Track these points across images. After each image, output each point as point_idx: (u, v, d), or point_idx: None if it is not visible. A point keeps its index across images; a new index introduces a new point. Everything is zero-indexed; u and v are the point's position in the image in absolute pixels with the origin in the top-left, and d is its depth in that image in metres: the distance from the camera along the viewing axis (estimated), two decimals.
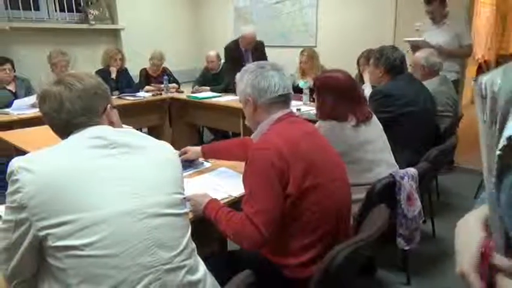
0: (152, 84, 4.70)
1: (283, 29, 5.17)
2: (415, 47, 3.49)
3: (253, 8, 5.41)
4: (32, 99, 3.62)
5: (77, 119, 1.04)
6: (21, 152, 2.58)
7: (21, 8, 4.44)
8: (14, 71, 3.81)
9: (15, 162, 0.93)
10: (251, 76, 1.42)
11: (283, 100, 1.43)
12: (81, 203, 0.91)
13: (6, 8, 4.29)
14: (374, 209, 1.41)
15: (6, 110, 3.49)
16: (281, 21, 5.17)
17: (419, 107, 2.38)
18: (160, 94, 4.51)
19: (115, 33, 5.18)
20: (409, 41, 3.66)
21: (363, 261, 1.75)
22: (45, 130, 2.96)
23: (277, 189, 1.26)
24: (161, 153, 1.11)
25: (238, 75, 1.48)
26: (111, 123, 1.12)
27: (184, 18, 5.95)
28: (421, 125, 2.37)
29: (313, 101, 2.33)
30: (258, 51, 4.41)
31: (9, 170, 0.93)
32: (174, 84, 4.76)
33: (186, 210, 1.10)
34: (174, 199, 1.05)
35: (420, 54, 3.04)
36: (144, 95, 4.44)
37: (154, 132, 4.56)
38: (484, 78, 0.53)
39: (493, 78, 0.52)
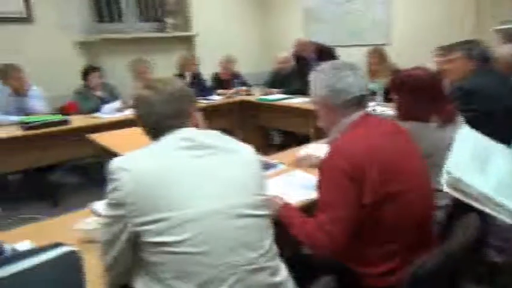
0: (223, 89, 4.85)
1: (353, 28, 5.03)
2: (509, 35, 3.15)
3: (323, 7, 5.33)
4: (118, 104, 3.93)
5: (167, 122, 1.10)
6: (110, 152, 2.82)
7: (108, 21, 4.86)
8: (102, 78, 4.17)
9: (115, 162, 1.02)
10: (326, 76, 1.37)
11: (359, 101, 1.37)
12: (173, 202, 0.97)
13: (96, 21, 4.69)
14: (462, 216, 1.31)
15: (96, 114, 3.82)
16: (351, 19, 5.03)
17: (505, 106, 2.17)
18: (232, 97, 4.64)
19: (189, 40, 5.43)
20: (501, 30, 3.32)
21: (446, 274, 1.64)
22: (130, 132, 3.20)
23: (351, 197, 1.22)
24: (245, 155, 1.14)
25: (311, 76, 1.44)
26: (196, 126, 1.17)
27: (253, 21, 6.06)
28: (508, 125, 2.16)
29: (389, 101, 2.23)
30: (325, 53, 4.32)
31: (109, 169, 1.02)
32: (245, 87, 4.87)
33: (268, 212, 1.12)
34: (257, 200, 1.08)
35: (509, 50, 2.77)
36: (216, 98, 4.59)
37: (225, 134, 4.69)
38: None
39: None
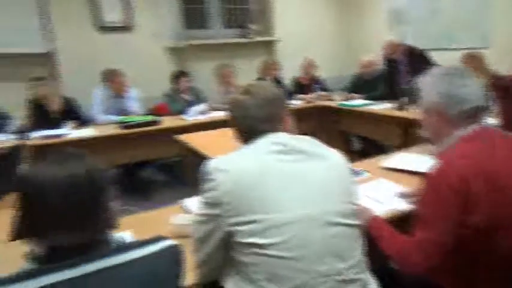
0: (303, 94, 4.85)
1: (443, 29, 4.70)
2: None
3: (409, 7, 5.06)
4: (202, 107, 4.14)
5: (260, 126, 1.13)
6: (194, 152, 2.98)
7: (196, 27, 5.14)
8: (190, 82, 4.42)
9: (212, 163, 1.07)
10: (440, 82, 1.23)
11: (476, 113, 1.22)
12: (267, 204, 0.99)
13: (185, 28, 4.99)
14: None
15: (182, 115, 4.06)
16: (442, 19, 4.71)
17: None
18: (312, 102, 4.61)
19: (271, 45, 5.52)
20: None
21: None
22: (213, 133, 3.33)
23: (455, 218, 1.12)
24: (336, 162, 1.13)
25: (421, 80, 1.31)
26: (288, 130, 1.19)
27: (335, 25, 5.97)
28: None
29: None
30: (415, 56, 4.09)
31: (206, 169, 1.07)
32: (325, 92, 4.82)
33: (359, 221, 1.10)
34: (348, 209, 1.06)
35: None
36: (296, 103, 4.60)
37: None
38: None
39: None
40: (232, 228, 1.00)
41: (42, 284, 0.72)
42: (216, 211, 1.02)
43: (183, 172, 3.98)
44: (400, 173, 1.96)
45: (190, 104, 4.26)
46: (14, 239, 1.55)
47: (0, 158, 1.91)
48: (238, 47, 5.29)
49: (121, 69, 4.01)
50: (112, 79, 3.91)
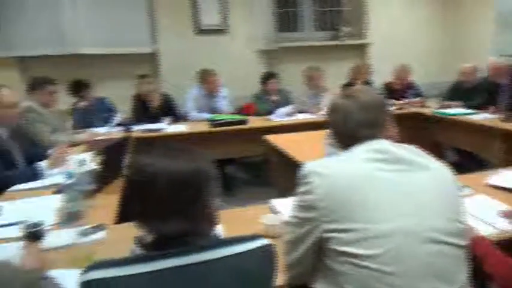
0: (395, 99, 4.63)
1: None
2: None
3: None
4: (290, 108, 4.17)
5: (361, 132, 1.10)
6: (280, 153, 3.02)
7: (288, 30, 5.21)
8: (279, 84, 4.49)
9: (309, 166, 1.06)
10: None
11: None
12: (366, 214, 0.96)
13: (277, 31, 5.07)
14: None
15: (269, 116, 4.14)
16: None
17: None
18: (404, 108, 4.39)
19: (362, 48, 5.37)
20: None
21: None
22: (301, 136, 3.34)
23: None
24: (443, 175, 1.07)
25: None
26: (390, 137, 1.15)
27: (434, 29, 5.59)
28: None
29: None
30: None
31: (302, 172, 1.07)
32: (419, 98, 4.55)
33: (466, 242, 1.02)
34: (455, 227, 0.99)
35: None
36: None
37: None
38: None
39: None
40: (328, 235, 0.99)
41: (151, 269, 0.78)
42: (311, 215, 1.02)
43: (266, 172, 4.07)
44: (504, 191, 1.79)
45: (278, 105, 4.33)
46: (119, 222, 1.72)
47: (110, 148, 2.13)
48: (329, 50, 5.23)
49: (214, 70, 4.21)
50: (206, 79, 4.13)
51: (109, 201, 1.90)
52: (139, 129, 3.64)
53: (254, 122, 3.98)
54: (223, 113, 4.13)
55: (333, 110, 1.17)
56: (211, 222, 0.88)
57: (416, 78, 4.86)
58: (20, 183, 2.17)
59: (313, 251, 1.05)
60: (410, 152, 1.08)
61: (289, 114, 4.13)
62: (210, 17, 4.73)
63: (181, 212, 0.82)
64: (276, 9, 5.01)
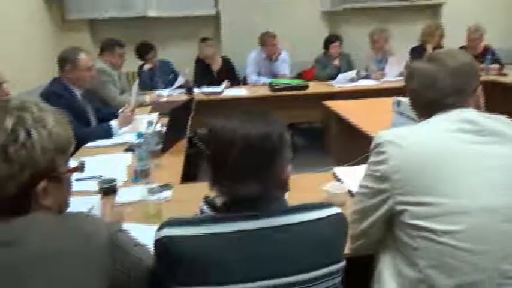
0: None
1: None
2: None
3: None
4: (352, 74, 4.00)
5: (445, 99, 1.01)
6: (341, 120, 2.94)
7: None
8: (341, 48, 4.30)
9: (384, 135, 1.01)
10: None
11: None
12: (446, 188, 0.91)
13: None
14: None
15: (330, 82, 4.01)
16: None
17: None
18: (480, 76, 4.03)
19: (435, 9, 4.94)
20: None
21: None
22: (363, 103, 3.22)
23: None
24: None
25: None
26: (477, 106, 1.05)
27: None
28: None
29: None
30: None
31: (376, 141, 1.02)
32: (496, 65, 4.14)
33: None
34: None
35: None
36: None
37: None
38: None
39: None
40: (400, 207, 0.95)
41: (223, 230, 0.81)
42: (383, 186, 0.98)
43: (323, 139, 4.01)
44: None
45: (340, 70, 4.18)
46: (183, 182, 1.80)
47: (176, 110, 2.19)
48: (398, 11, 4.89)
49: (275, 33, 4.11)
50: (266, 41, 4.06)
51: (174, 162, 1.98)
52: (200, 92, 3.70)
53: (314, 87, 3.89)
54: (283, 77, 4.07)
55: (415, 75, 1.08)
56: (283, 187, 0.88)
57: (494, 43, 4.41)
58: (94, 140, 2.32)
59: (382, 222, 1.02)
60: (502, 123, 0.98)
61: (352, 80, 3.97)
62: None
63: (255, 176, 0.82)
64: None
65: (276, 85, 3.74)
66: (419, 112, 1.11)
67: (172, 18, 4.48)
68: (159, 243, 0.82)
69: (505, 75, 4.00)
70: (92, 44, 4.28)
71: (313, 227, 0.84)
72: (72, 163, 0.87)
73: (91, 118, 2.59)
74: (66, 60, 2.44)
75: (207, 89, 3.74)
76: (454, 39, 4.42)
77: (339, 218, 0.89)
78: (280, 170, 0.85)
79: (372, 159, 1.03)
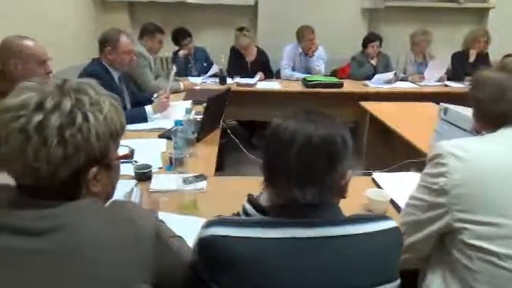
0: None
1: None
2: None
3: None
4: (389, 75, 3.88)
5: None
6: (376, 122, 2.85)
7: None
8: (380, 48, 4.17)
9: (445, 146, 0.95)
10: None
11: None
12: (510, 208, 0.85)
13: None
14: None
15: (366, 82, 3.90)
16: None
17: None
18: None
19: (482, 13, 4.73)
20: None
21: None
22: (399, 106, 3.11)
23: None
24: None
25: None
26: None
27: None
28: None
29: None
30: None
31: (436, 151, 0.96)
32: None
33: None
34: None
35: None
36: None
37: None
38: None
39: None
40: (459, 225, 0.89)
41: (281, 236, 0.76)
42: (440, 200, 0.92)
43: (357, 141, 3.92)
44: None
45: (377, 70, 4.06)
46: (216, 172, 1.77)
47: (213, 99, 2.17)
48: (442, 13, 4.70)
49: (313, 28, 4.02)
50: (303, 36, 3.97)
51: (208, 152, 1.96)
52: (234, 82, 3.67)
53: (349, 86, 3.79)
54: (318, 74, 3.98)
55: (484, 84, 1.02)
56: (340, 195, 0.83)
57: None
58: (130, 123, 2.32)
59: (433, 238, 0.96)
60: None
61: (389, 82, 3.86)
62: None
63: (314, 180, 0.78)
64: None
65: (309, 81, 3.67)
66: (482, 124, 1.04)
67: (211, 5, 4.44)
68: (204, 241, 0.79)
69: None
70: (131, 26, 4.30)
71: (369, 240, 0.79)
72: (121, 149, 0.85)
73: (127, 101, 2.60)
74: (107, 41, 2.44)
75: (241, 80, 3.70)
76: (500, 46, 4.23)
77: (396, 232, 0.83)
78: (340, 176, 0.80)
79: (429, 170, 0.97)
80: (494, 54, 4.23)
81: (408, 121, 2.70)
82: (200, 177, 1.60)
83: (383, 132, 2.94)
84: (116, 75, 2.51)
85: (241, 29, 3.89)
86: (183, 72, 3.82)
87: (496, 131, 0.97)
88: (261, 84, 3.71)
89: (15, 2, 2.79)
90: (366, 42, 4.12)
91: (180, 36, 3.88)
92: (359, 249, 0.77)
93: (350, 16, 4.64)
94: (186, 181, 1.53)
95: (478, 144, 0.96)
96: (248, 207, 1.03)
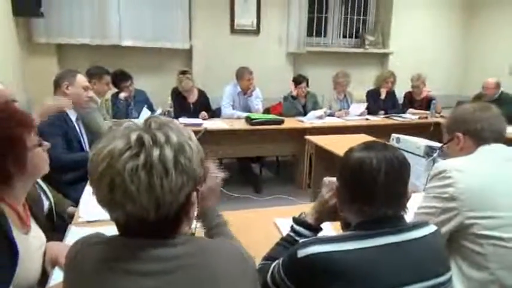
0: (414, 108, 4.85)
1: None
2: None
3: None
4: (321, 112, 4.31)
5: (489, 136, 1.29)
6: (321, 151, 3.12)
7: (315, 35, 5.36)
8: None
9: (445, 164, 1.25)
10: None
11: None
12: (504, 202, 1.15)
13: (306, 36, 5.19)
14: None
15: (300, 118, 4.26)
16: None
17: None
18: (426, 118, 4.59)
19: (385, 57, 5.56)
20: None
21: None
22: (334, 138, 3.41)
23: None
24: None
25: None
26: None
27: (454, 41, 5.78)
28: None
29: None
30: None
31: (438, 168, 1.25)
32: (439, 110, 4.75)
33: None
34: None
35: None
36: (410, 117, 4.60)
37: None
38: None
39: None
40: (470, 221, 1.16)
41: (375, 244, 0.92)
42: (451, 204, 1.19)
43: (295, 172, 4.22)
44: None
45: (306, 108, 4.48)
46: None
47: None
48: (354, 56, 5.41)
49: (251, 69, 4.31)
50: (243, 76, 4.24)
51: None
52: (180, 123, 3.70)
53: (288, 122, 4.10)
54: (257, 112, 4.24)
55: (467, 114, 1.34)
56: (404, 206, 1.01)
57: (435, 90, 5.03)
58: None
59: (447, 235, 1.20)
60: None
61: (320, 117, 4.27)
62: (245, 18, 4.83)
63: (395, 197, 0.96)
64: (307, 14, 5.11)
65: (253, 119, 3.89)
66: (467, 144, 1.34)
67: (145, 48, 4.47)
68: (307, 259, 0.90)
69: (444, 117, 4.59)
70: (59, 70, 4.10)
71: (431, 240, 0.98)
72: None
73: (85, 143, 2.49)
74: (63, 78, 2.42)
75: (186, 121, 3.76)
76: (401, 84, 5.00)
77: (440, 233, 1.05)
78: (407, 191, 0.99)
79: (435, 183, 1.25)
80: (398, 92, 5.00)
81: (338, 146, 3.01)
82: None
83: (327, 163, 3.26)
84: (73, 116, 2.42)
85: (184, 73, 4.00)
86: (123, 115, 3.75)
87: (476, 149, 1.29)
88: (207, 123, 3.82)
89: None
90: (296, 83, 4.50)
91: (119, 78, 3.83)
92: (428, 247, 0.97)
93: (278, 59, 5.08)
94: (197, 219, 1.56)
95: (469, 161, 1.26)
96: (297, 227, 1.16)
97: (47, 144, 1.25)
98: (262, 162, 4.47)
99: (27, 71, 3.88)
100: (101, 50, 4.30)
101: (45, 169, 1.26)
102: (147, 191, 0.71)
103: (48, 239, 1.33)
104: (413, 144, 2.19)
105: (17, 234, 1.11)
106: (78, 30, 4.17)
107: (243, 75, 4.22)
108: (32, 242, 1.21)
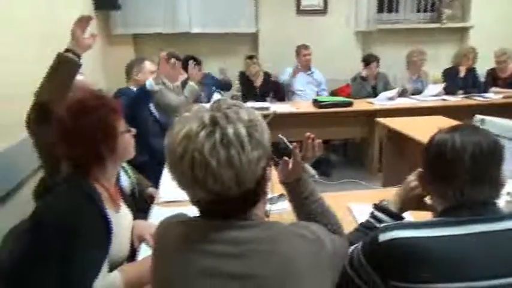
0: (499, 87, 4.41)
1: None
2: None
3: None
4: (392, 93, 4.12)
5: None
6: (396, 135, 2.98)
7: (386, 11, 5.08)
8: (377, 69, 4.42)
9: None
10: None
11: None
12: None
13: (376, 12, 4.95)
14: None
15: (371, 99, 4.10)
16: None
17: None
18: (511, 96, 4.17)
19: (464, 31, 5.12)
20: None
21: None
22: (407, 120, 3.24)
23: None
24: None
25: None
26: None
27: None
28: None
29: None
30: None
31: None
32: None
33: None
34: None
35: None
36: (494, 96, 4.22)
37: None
38: None
39: None
40: None
41: (464, 232, 0.87)
42: None
43: (364, 156, 4.11)
44: None
45: (376, 89, 4.30)
46: None
47: None
48: (429, 33, 5.04)
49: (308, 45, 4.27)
50: (300, 53, 4.26)
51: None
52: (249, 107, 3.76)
53: (357, 104, 3.97)
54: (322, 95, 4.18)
55: None
56: (497, 192, 0.94)
57: None
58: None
59: None
60: None
61: (392, 98, 4.08)
62: None
63: (488, 180, 0.89)
64: None
65: (321, 102, 3.82)
66: None
67: (213, 34, 4.58)
68: (388, 243, 0.87)
69: None
70: (135, 57, 4.34)
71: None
72: None
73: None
74: (133, 66, 2.81)
75: (255, 104, 3.80)
76: (482, 62, 4.58)
77: None
78: (499, 177, 0.92)
79: None
80: (480, 69, 4.59)
81: (425, 132, 2.85)
82: (282, 196, 1.66)
83: (399, 146, 3.11)
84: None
85: (251, 57, 4.04)
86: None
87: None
88: (274, 107, 3.82)
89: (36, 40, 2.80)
90: (366, 63, 4.34)
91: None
92: None
93: (346, 39, 4.91)
94: (271, 201, 1.59)
95: None
96: (379, 214, 1.13)
97: (133, 130, 1.35)
98: (330, 146, 4.41)
99: (107, 62, 4.16)
100: (172, 38, 4.48)
101: (132, 153, 1.36)
102: (227, 165, 0.73)
103: (133, 217, 1.45)
104: (502, 127, 2.00)
105: (110, 213, 1.22)
106: (152, 20, 4.38)
107: (300, 51, 4.23)
108: (122, 220, 1.31)
